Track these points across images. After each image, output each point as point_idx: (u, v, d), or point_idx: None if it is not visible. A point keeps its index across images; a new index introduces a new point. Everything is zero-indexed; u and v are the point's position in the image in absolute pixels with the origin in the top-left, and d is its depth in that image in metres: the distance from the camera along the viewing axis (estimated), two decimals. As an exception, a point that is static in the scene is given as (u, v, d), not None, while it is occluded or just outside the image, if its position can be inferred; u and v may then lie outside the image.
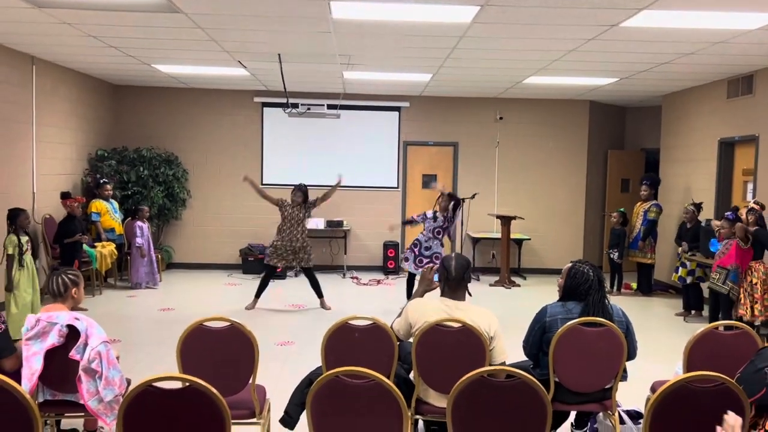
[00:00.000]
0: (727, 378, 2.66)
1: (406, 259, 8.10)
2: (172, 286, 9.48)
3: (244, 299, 8.75)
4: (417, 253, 8.02)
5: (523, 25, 5.88)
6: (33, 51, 7.80)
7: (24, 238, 6.66)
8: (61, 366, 3.38)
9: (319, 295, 8.17)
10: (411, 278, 8.22)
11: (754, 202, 7.01)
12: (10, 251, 6.51)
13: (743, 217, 6.89)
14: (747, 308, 6.60)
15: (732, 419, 2.07)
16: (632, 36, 6.16)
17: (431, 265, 3.92)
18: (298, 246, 8.02)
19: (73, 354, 3.37)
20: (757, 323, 6.53)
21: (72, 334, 3.42)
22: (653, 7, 5.13)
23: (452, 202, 8.02)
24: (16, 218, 6.66)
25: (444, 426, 2.93)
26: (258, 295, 8.07)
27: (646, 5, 5.09)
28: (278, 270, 8.44)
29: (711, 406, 2.61)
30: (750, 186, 8.12)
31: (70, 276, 3.61)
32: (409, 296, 8.00)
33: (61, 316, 3.43)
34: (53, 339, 3.38)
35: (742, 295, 6.70)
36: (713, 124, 8.83)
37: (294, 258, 8.04)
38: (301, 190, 8.13)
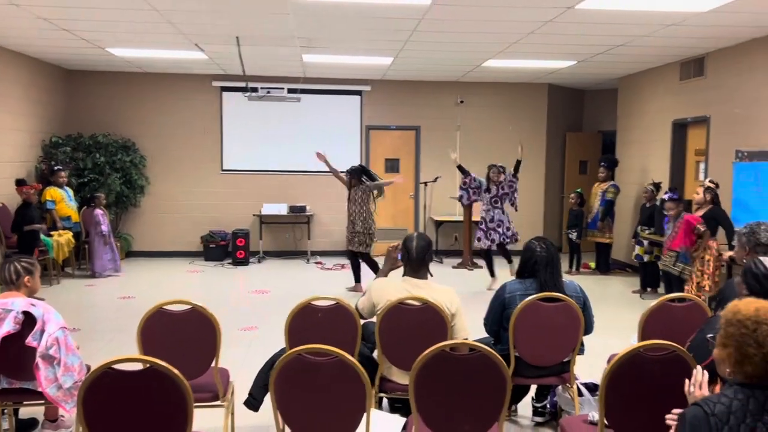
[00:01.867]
0: (678, 346, 2.76)
1: (479, 239, 8.49)
2: (133, 274, 9.34)
3: (206, 286, 8.69)
4: (485, 229, 8.44)
5: (482, 8, 5.92)
6: (-20, 34, 7.55)
7: None
8: (17, 353, 3.32)
9: (357, 279, 8.15)
10: (488, 254, 8.53)
11: (710, 181, 7.21)
12: None
13: (699, 196, 7.06)
14: (693, 286, 6.80)
15: (699, 374, 2.19)
16: (588, 18, 6.25)
17: (396, 243, 3.94)
18: (357, 230, 7.94)
19: (30, 341, 3.31)
20: (704, 297, 6.74)
21: (28, 320, 3.36)
22: (608, -11, 5.22)
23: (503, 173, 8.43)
24: None
25: (408, 403, 2.97)
26: (358, 278, 8.13)
27: (601, -13, 5.18)
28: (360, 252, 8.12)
29: (663, 373, 2.71)
30: (702, 166, 8.35)
31: (23, 263, 3.54)
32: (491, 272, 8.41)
33: (16, 302, 3.37)
34: (8, 326, 3.31)
35: (693, 274, 6.89)
36: (667, 106, 9.05)
37: (357, 241, 7.95)
38: (359, 171, 8.05)
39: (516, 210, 8.76)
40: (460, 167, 8.88)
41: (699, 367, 2.26)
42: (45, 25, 6.92)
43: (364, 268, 8.12)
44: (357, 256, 8.16)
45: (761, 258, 2.83)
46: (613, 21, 6.41)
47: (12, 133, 8.65)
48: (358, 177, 8.06)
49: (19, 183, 8.03)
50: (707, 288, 6.72)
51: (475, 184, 8.78)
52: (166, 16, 6.41)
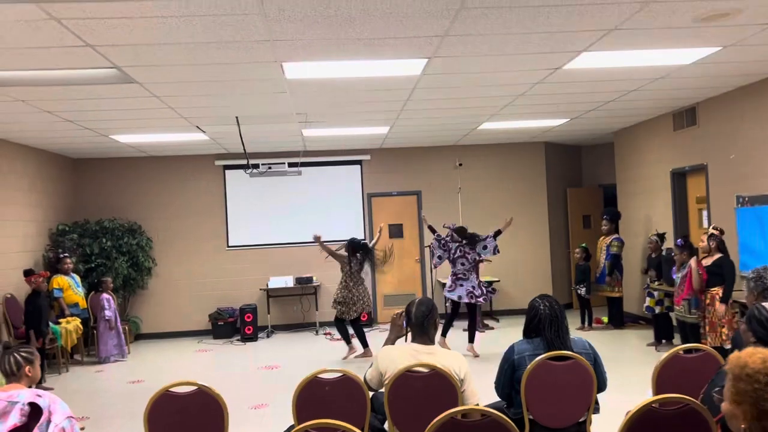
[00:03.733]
0: (691, 399, 2.70)
1: (460, 297, 8.24)
2: (141, 357, 9.26)
3: (216, 364, 8.61)
4: (454, 278, 8.29)
5: (471, 74, 6.09)
6: (-12, 130, 7.78)
7: None
8: (23, 447, 3.26)
9: (364, 344, 8.43)
10: (455, 306, 8.46)
11: (713, 228, 7.19)
12: None
13: (704, 244, 7.02)
14: (715, 336, 6.68)
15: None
16: (576, 77, 6.41)
17: (400, 311, 3.93)
18: (364, 298, 8.39)
19: (36, 433, 3.26)
20: (727, 347, 6.61)
21: (34, 412, 3.32)
22: (592, 49, 5.37)
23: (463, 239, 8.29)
24: None
25: (421, 474, 2.89)
26: (349, 341, 8.46)
27: (585, 47, 5.33)
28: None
29: (678, 428, 2.65)
30: (705, 213, 8.37)
31: (22, 354, 3.49)
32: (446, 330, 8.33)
33: (21, 394, 3.33)
34: (15, 419, 3.26)
35: (707, 325, 6.79)
36: (664, 156, 9.14)
37: (357, 308, 8.36)
38: (360, 244, 8.53)
39: (497, 252, 8.51)
40: (430, 227, 8.70)
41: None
42: (50, 118, 7.13)
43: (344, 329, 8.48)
44: (355, 322, 8.42)
45: (764, 303, 2.80)
46: (602, 78, 6.57)
47: (20, 225, 8.78)
48: (354, 250, 8.44)
49: (27, 273, 8.08)
50: (724, 337, 6.60)
51: (443, 248, 8.41)
52: (167, 101, 6.61)
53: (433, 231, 8.60)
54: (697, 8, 4.48)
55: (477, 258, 8.41)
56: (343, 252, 8.51)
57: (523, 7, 4.25)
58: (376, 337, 9.93)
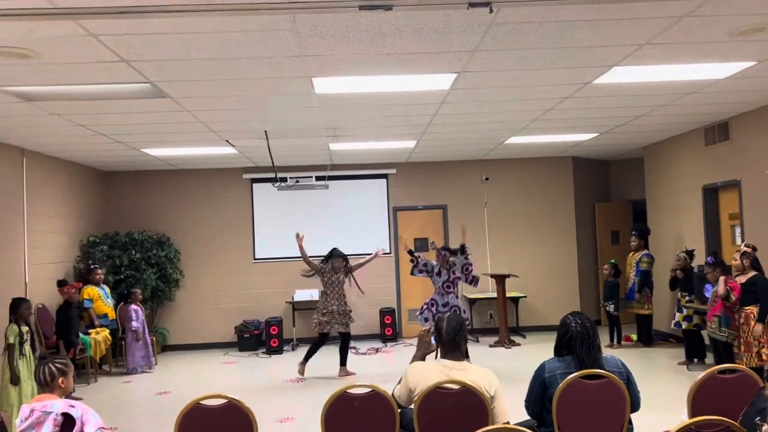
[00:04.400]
0: (731, 421, 2.64)
1: (426, 320, 7.97)
2: (168, 368, 9.33)
3: (241, 377, 8.63)
4: (434, 312, 7.96)
5: (500, 89, 6.08)
6: (23, 143, 7.94)
7: (24, 328, 6.63)
8: (56, 457, 3.30)
9: (343, 362, 8.30)
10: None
11: (746, 245, 7.04)
12: (11, 340, 6.46)
13: (737, 262, 6.87)
14: (751, 356, 6.52)
15: None
16: (606, 92, 6.36)
17: (428, 327, 3.90)
18: (342, 310, 8.24)
19: (69, 443, 3.30)
20: (766, 368, 6.45)
21: (67, 422, 3.36)
22: (623, 64, 5.33)
23: (452, 256, 8.08)
24: (17, 308, 6.65)
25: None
26: (307, 359, 8.26)
27: (616, 62, 5.29)
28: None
29: (718, 452, 2.58)
30: (738, 230, 8.21)
31: (57, 365, 3.55)
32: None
33: (55, 404, 3.38)
34: (48, 429, 3.31)
35: (742, 345, 6.63)
36: (695, 171, 9.01)
37: (336, 322, 8.22)
38: (342, 255, 8.41)
39: (476, 286, 8.38)
40: (410, 251, 8.42)
41: None
42: (84, 132, 7.27)
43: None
44: (326, 339, 8.31)
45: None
46: (632, 93, 6.51)
47: (52, 236, 8.94)
48: (346, 260, 8.40)
49: (61, 284, 8.22)
50: (764, 357, 6.44)
51: (424, 266, 8.14)
52: (198, 116, 6.70)
53: (411, 254, 8.30)
54: (732, 22, 4.42)
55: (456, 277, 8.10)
56: (316, 263, 8.42)
57: (555, 21, 4.24)
58: (400, 351, 9.91)
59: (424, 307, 8.14)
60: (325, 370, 8.37)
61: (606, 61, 5.24)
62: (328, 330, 8.22)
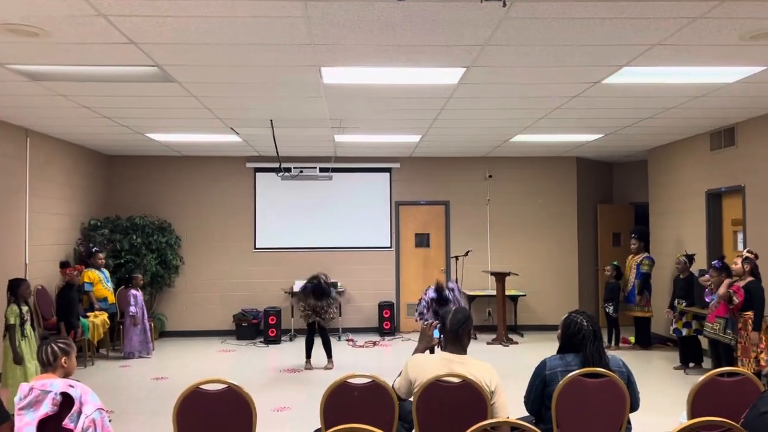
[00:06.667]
0: (733, 423, 2.63)
1: (421, 314, 7.57)
2: (166, 354, 9.33)
3: (238, 365, 8.64)
4: (432, 312, 7.66)
5: (508, 85, 6.05)
6: (27, 123, 7.92)
7: (25, 308, 6.63)
8: (54, 436, 3.30)
9: (329, 355, 8.34)
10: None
11: (748, 251, 7.04)
12: (12, 321, 6.45)
13: (738, 267, 6.88)
14: (749, 362, 6.52)
15: None
16: (615, 92, 6.34)
17: (431, 321, 3.89)
18: (319, 305, 8.30)
19: (67, 423, 3.29)
20: (765, 372, 6.45)
21: (66, 402, 3.35)
22: (633, 64, 5.31)
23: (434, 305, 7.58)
24: (17, 288, 6.64)
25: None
26: (309, 354, 8.35)
27: (627, 62, 5.27)
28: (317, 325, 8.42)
29: (719, 453, 2.58)
30: (740, 236, 8.20)
31: (60, 345, 3.54)
32: None
33: (55, 384, 3.37)
34: (46, 408, 3.30)
35: (740, 351, 6.65)
36: (699, 176, 8.99)
37: (316, 314, 8.31)
38: (322, 293, 8.33)
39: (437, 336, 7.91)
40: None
41: None
42: (88, 114, 7.25)
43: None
44: (315, 330, 8.32)
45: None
46: (640, 94, 6.49)
47: (54, 218, 8.93)
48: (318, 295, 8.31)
49: (64, 265, 8.21)
50: (763, 363, 6.45)
51: (425, 312, 7.59)
52: (204, 102, 6.68)
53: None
54: (744, 26, 4.40)
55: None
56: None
57: (568, 18, 4.21)
58: (398, 345, 9.91)
59: (424, 305, 8.05)
60: (322, 361, 8.36)
61: (616, 60, 5.22)
62: (314, 320, 8.29)
